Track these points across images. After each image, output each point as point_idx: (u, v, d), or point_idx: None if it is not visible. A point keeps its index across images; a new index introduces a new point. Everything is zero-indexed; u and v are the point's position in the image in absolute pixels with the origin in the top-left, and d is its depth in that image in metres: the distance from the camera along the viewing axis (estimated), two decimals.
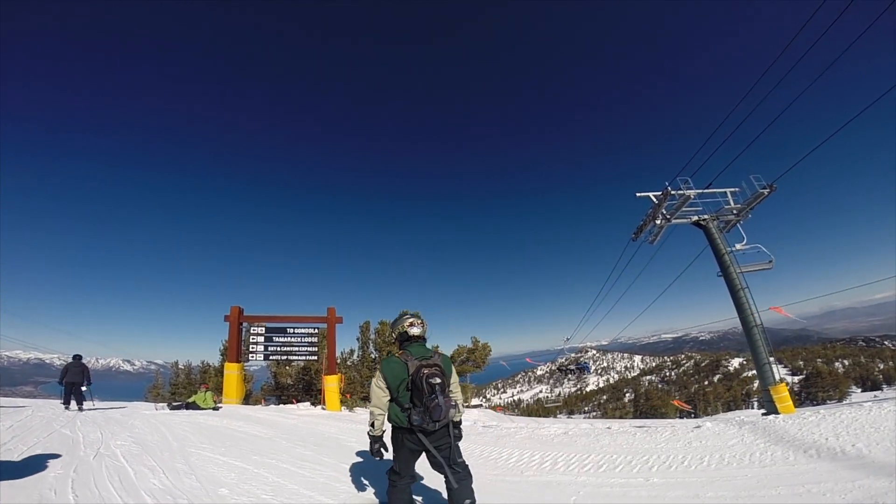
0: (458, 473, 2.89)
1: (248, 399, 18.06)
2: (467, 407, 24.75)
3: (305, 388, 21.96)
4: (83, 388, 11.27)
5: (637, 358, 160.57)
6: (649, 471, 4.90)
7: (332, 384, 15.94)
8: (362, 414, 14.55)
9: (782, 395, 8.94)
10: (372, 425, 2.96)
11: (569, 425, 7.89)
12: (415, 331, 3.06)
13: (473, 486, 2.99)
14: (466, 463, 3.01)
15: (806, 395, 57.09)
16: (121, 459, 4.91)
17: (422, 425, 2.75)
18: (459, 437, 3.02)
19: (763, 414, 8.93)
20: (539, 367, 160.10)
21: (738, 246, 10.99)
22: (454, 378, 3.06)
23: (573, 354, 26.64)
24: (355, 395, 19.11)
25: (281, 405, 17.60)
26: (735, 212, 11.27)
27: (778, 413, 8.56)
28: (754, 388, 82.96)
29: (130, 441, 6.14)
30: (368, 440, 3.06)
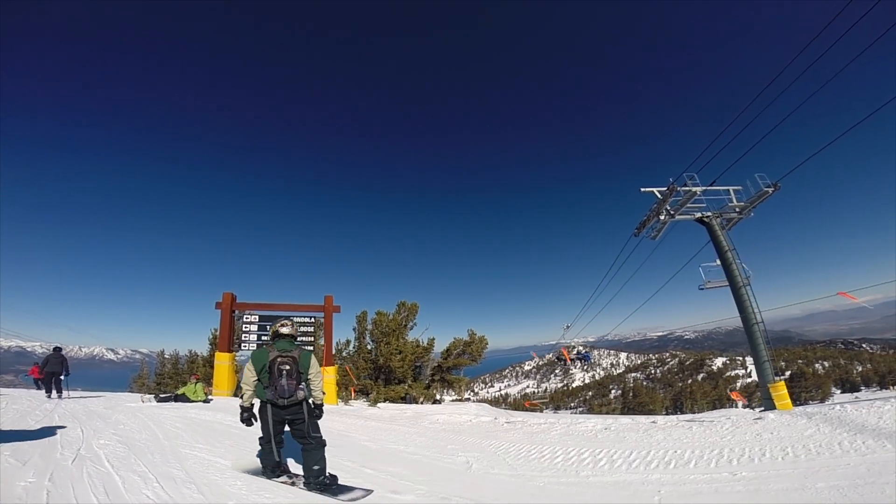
0: (309, 444, 3.79)
1: (238, 391, 17.10)
2: (459, 401, 24.72)
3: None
4: (62, 378, 11.89)
5: (623, 355, 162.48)
6: (730, 464, 4.31)
7: (329, 376, 15.08)
8: (364, 409, 13.79)
9: (781, 393, 9.18)
10: (242, 398, 3.90)
11: (607, 420, 7.27)
12: (284, 330, 4.02)
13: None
14: (323, 438, 3.89)
15: (790, 396, 58.36)
16: (105, 464, 4.05)
17: (272, 400, 3.73)
18: (318, 417, 3.92)
19: (761, 410, 8.97)
20: (527, 363, 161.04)
21: (717, 262, 10.95)
22: (313, 370, 3.94)
23: (571, 343, 26.37)
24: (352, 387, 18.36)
25: None
26: (738, 209, 11.31)
27: (775, 409, 8.66)
28: (737, 388, 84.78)
29: (115, 440, 5.26)
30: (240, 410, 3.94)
